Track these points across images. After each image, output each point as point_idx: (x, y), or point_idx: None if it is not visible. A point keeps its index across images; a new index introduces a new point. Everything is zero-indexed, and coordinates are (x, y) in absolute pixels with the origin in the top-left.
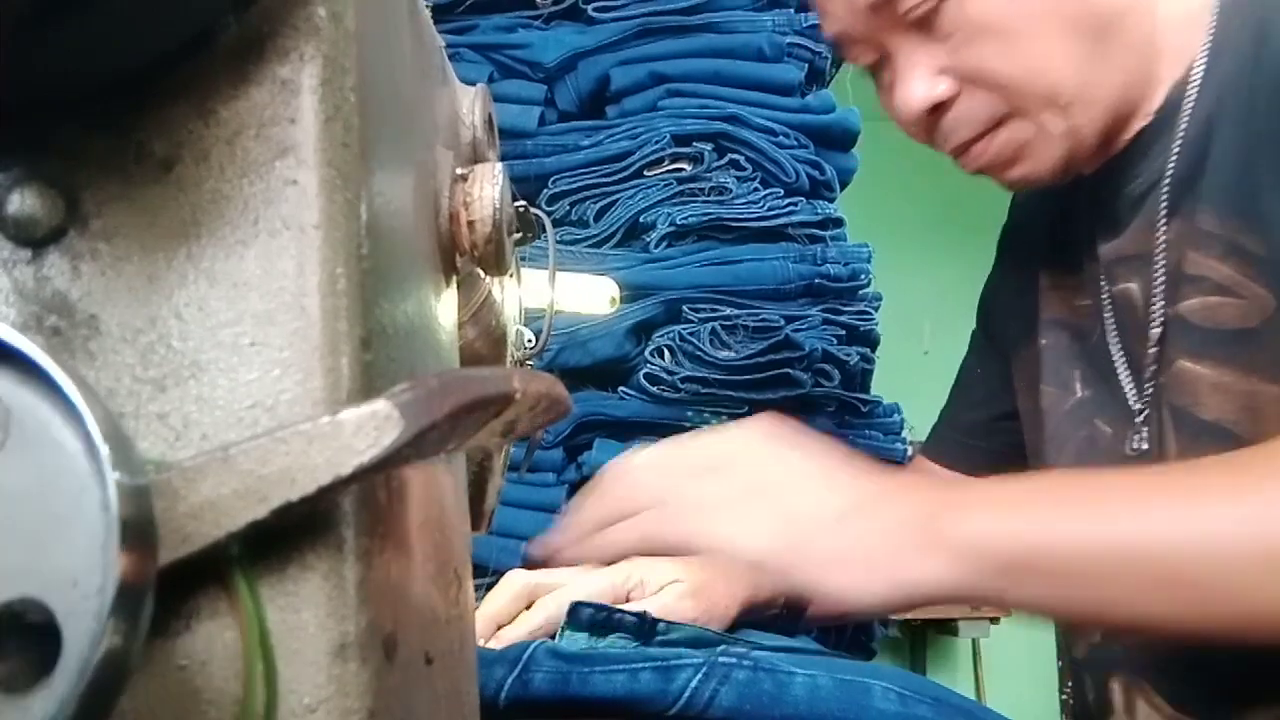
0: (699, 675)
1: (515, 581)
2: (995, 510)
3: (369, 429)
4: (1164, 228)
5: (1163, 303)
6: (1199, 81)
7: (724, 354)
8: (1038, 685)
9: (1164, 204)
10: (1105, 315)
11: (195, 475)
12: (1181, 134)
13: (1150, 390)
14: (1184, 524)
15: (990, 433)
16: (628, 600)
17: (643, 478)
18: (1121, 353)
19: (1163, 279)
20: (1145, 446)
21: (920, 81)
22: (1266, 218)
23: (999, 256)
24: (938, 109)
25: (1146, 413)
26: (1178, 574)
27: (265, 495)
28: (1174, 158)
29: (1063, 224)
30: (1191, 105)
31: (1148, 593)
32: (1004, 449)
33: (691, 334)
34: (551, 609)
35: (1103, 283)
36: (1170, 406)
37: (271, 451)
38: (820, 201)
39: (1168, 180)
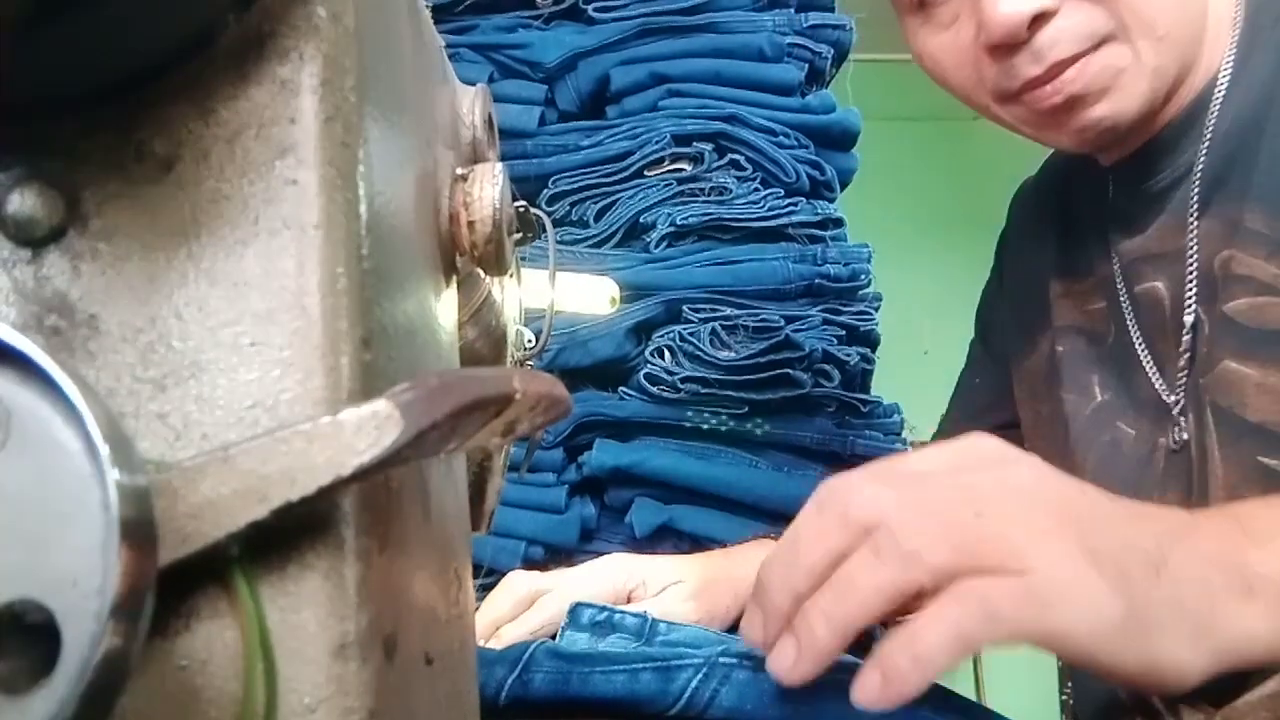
0: (699, 675)
1: (516, 583)
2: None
3: (369, 429)
4: (1195, 224)
5: (1195, 300)
6: (1228, 79)
7: (724, 354)
8: (1038, 686)
9: (1195, 200)
10: (1126, 315)
11: (195, 475)
12: (1210, 129)
13: (1183, 385)
14: None
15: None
16: (629, 601)
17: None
18: (1148, 352)
19: (1195, 277)
20: (1185, 437)
21: None
22: None
23: (996, 267)
24: (1036, 21)
25: (1182, 404)
26: None
27: (265, 495)
28: (1204, 153)
29: (1071, 228)
30: (1220, 102)
31: None
32: None
33: (692, 334)
34: (552, 609)
35: (1121, 283)
36: (1213, 406)
37: (272, 451)
38: (820, 202)
39: (1198, 176)
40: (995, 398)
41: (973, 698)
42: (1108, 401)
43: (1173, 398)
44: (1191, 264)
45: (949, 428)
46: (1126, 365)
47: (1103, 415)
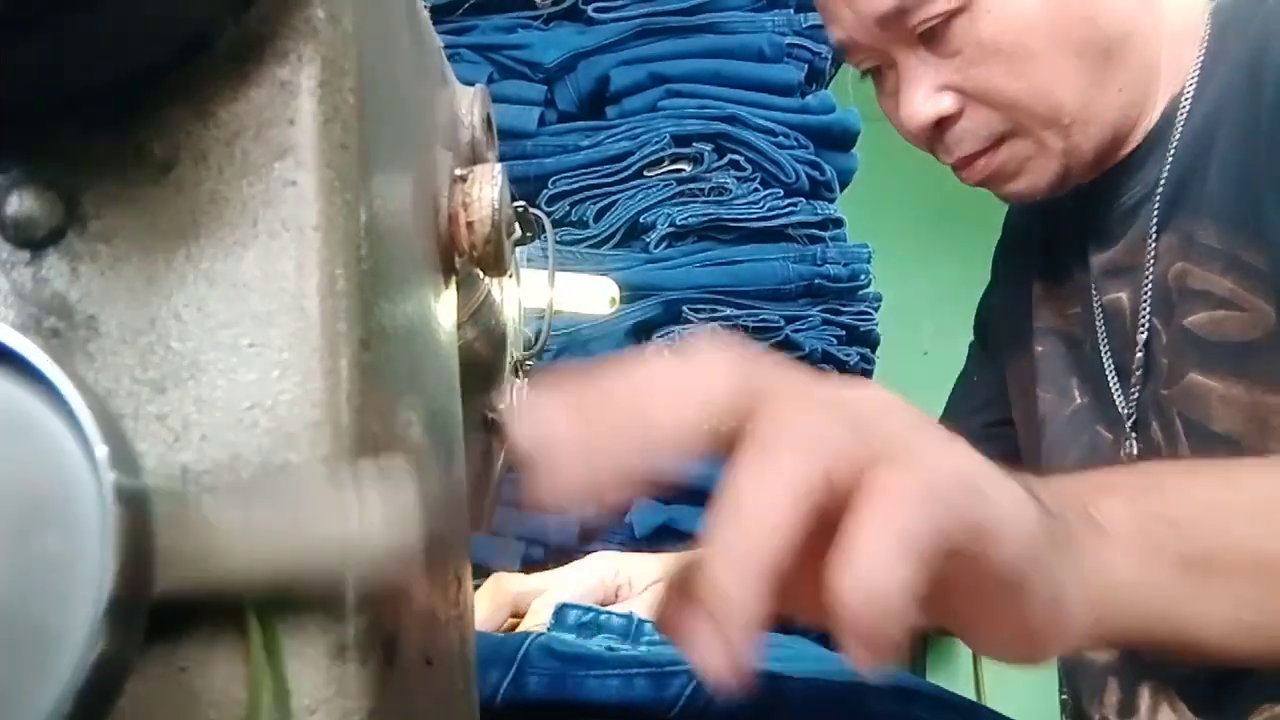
0: (694, 682)
1: (498, 588)
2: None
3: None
4: (1154, 239)
5: (1149, 312)
6: (1192, 95)
7: None
8: (1037, 686)
9: (1155, 216)
10: (1097, 324)
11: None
12: (1174, 147)
13: (1136, 398)
14: None
15: (986, 438)
16: (615, 600)
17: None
18: (1111, 363)
19: (1150, 289)
20: (1135, 452)
21: (926, 96)
22: (1267, 232)
23: (994, 269)
24: (941, 123)
25: (1135, 418)
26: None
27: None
28: (1166, 170)
29: (1055, 235)
30: (1184, 119)
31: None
32: (999, 455)
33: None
34: (542, 616)
35: (1094, 293)
36: (1182, 418)
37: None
38: (820, 202)
39: (1159, 192)
40: (990, 396)
41: (972, 697)
42: (1086, 404)
43: (1126, 410)
44: (1148, 277)
45: (943, 425)
46: (1098, 374)
47: (1083, 416)
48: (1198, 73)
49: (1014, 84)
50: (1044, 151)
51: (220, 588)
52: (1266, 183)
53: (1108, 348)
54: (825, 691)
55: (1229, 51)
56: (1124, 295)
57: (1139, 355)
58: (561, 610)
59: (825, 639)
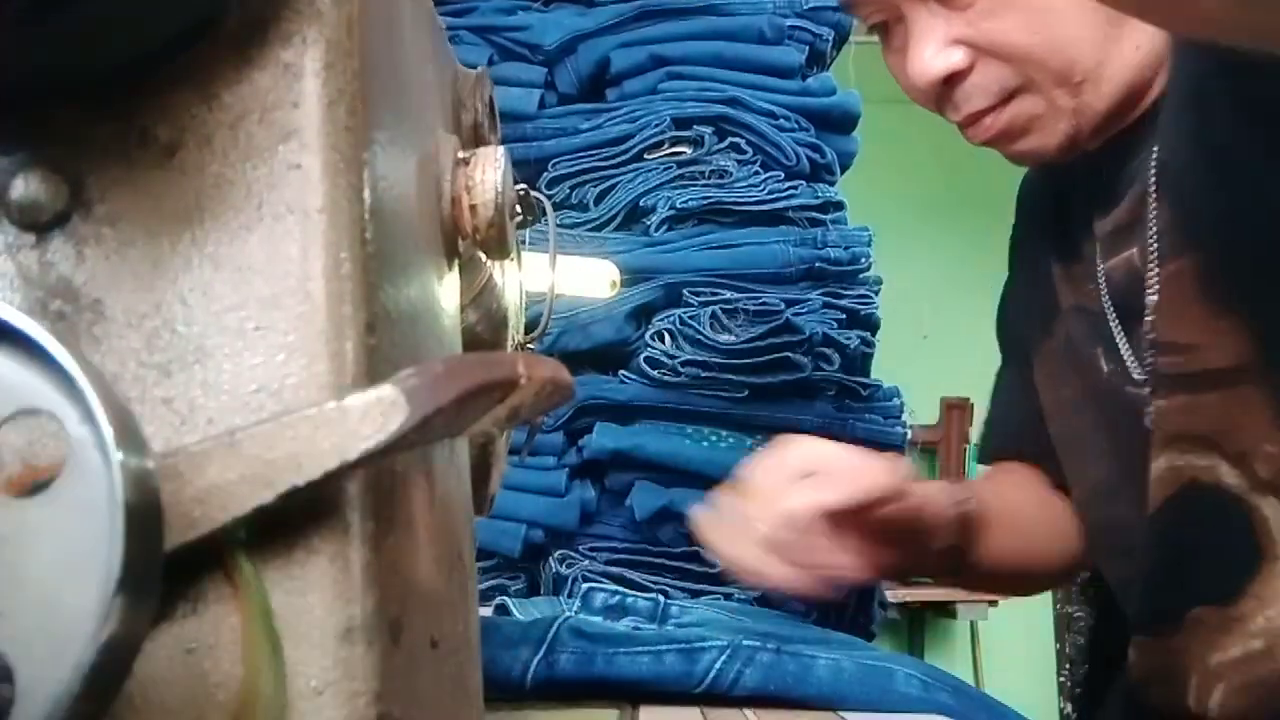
0: (723, 657)
1: (789, 457)
2: None
3: (375, 414)
4: (1154, 194)
5: (1157, 267)
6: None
7: (724, 338)
8: (1036, 668)
9: (1153, 169)
10: (1103, 293)
11: (201, 460)
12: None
13: (1151, 361)
14: None
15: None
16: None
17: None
18: (1119, 326)
19: (1155, 243)
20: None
21: (936, 51)
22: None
23: (1010, 263)
24: (950, 79)
25: (1151, 387)
26: None
27: (271, 480)
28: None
29: (1063, 211)
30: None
31: None
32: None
33: (691, 318)
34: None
35: (1099, 260)
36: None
37: (278, 437)
38: (821, 185)
39: (1154, 157)
40: (1026, 419)
41: (970, 680)
42: (1114, 370)
43: (1139, 375)
44: (1152, 231)
45: (987, 454)
46: (1111, 343)
47: (1114, 381)
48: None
49: (1029, 38)
50: (1054, 110)
51: (216, 525)
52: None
53: (1114, 313)
54: (851, 673)
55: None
56: (1133, 253)
57: (1149, 319)
58: (589, 593)
59: (827, 620)
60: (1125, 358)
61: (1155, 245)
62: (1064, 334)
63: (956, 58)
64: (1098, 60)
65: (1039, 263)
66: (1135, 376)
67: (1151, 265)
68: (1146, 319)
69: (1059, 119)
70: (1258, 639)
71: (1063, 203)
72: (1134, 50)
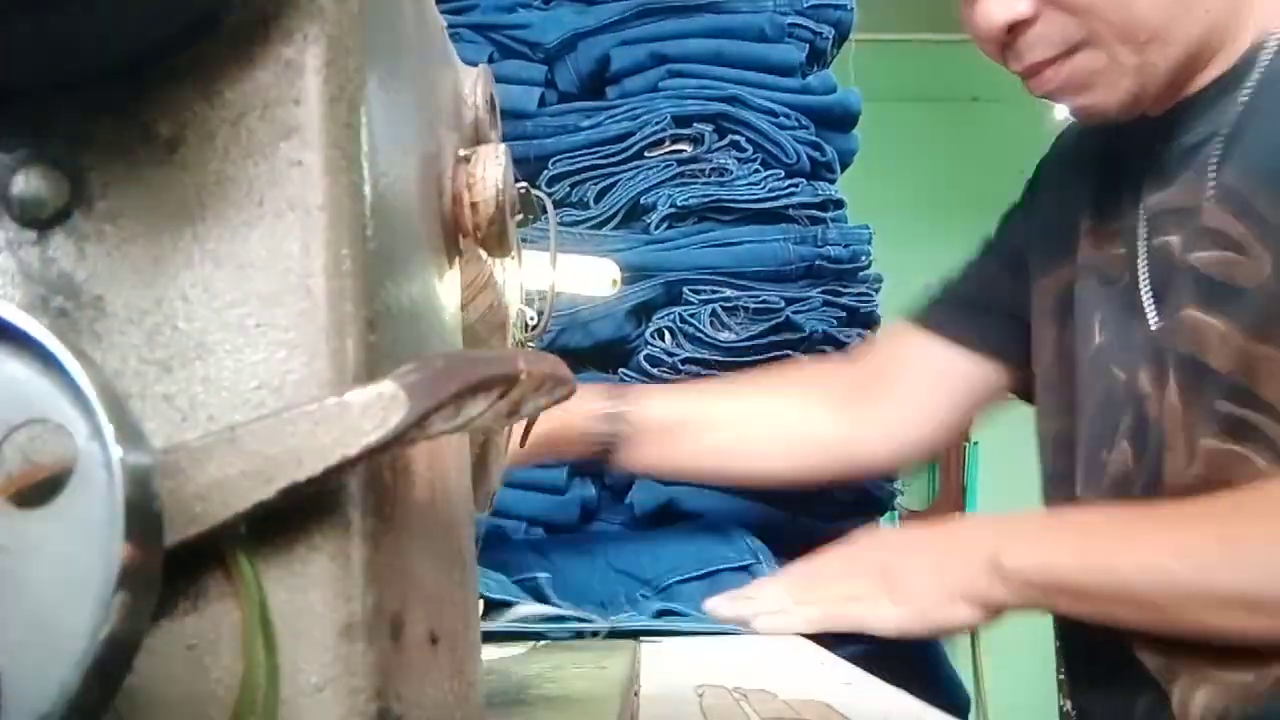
0: None
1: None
2: (1041, 547)
3: (375, 410)
4: (1213, 184)
5: (1197, 255)
6: (1275, 48)
7: (724, 335)
8: (1036, 666)
9: (1213, 161)
10: (1140, 265)
11: (201, 456)
12: (1248, 90)
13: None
14: (1158, 570)
15: (988, 313)
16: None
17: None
18: (1153, 300)
19: (1198, 232)
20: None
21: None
22: None
23: (1033, 185)
24: (1015, 28)
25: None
26: (1151, 601)
27: (272, 476)
28: (1237, 114)
29: (1111, 171)
30: (1261, 71)
31: (1145, 613)
32: (991, 335)
33: (692, 315)
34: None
35: (1143, 233)
36: (1174, 353)
37: (278, 432)
38: (821, 183)
39: (1221, 138)
40: (1008, 287)
41: (971, 680)
42: (1104, 344)
43: (1164, 336)
44: (1199, 218)
45: (952, 288)
46: (1130, 310)
47: (1100, 358)
48: None
49: None
50: (1116, 67)
51: (216, 521)
52: None
53: (1149, 288)
54: None
55: None
56: (1174, 239)
57: (1181, 293)
58: None
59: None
60: (1153, 328)
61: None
62: (1069, 281)
63: (1021, 7)
64: (1165, 19)
65: (1066, 209)
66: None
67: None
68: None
69: (1122, 76)
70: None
71: (1111, 163)
72: (1204, 13)
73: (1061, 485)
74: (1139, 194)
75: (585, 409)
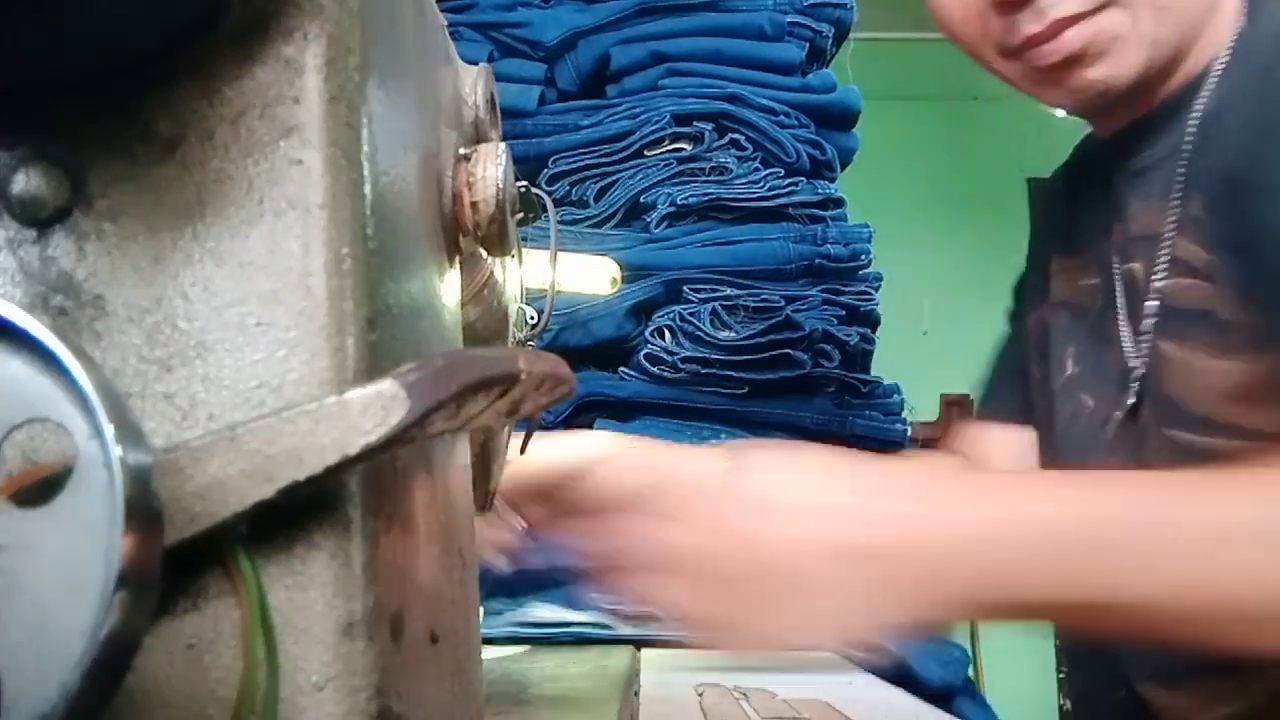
0: None
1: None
2: (1031, 575)
3: (375, 409)
4: (1176, 206)
5: (1162, 283)
6: (1226, 58)
7: (724, 334)
8: (1036, 665)
9: (1178, 186)
10: (1117, 291)
11: (202, 455)
12: (1199, 111)
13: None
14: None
15: (1024, 381)
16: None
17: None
18: (1127, 325)
19: (1165, 260)
20: (1131, 401)
21: None
22: (1243, 215)
23: (1030, 244)
24: None
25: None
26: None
27: (272, 475)
28: (1189, 136)
29: (1078, 207)
30: (1213, 84)
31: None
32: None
33: (692, 314)
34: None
35: (1116, 259)
36: (1144, 381)
37: (279, 431)
38: (821, 181)
39: (1183, 158)
40: (1010, 362)
41: (971, 675)
42: (1075, 374)
43: (1136, 361)
44: (1164, 247)
45: (983, 397)
46: (1102, 338)
47: (1070, 387)
48: (1235, 38)
49: None
50: (1136, 33)
51: (216, 520)
52: (1252, 165)
53: (1125, 313)
54: None
55: (1265, 15)
56: (1138, 265)
57: (1145, 331)
58: None
59: None
60: (1127, 353)
61: (1165, 262)
62: (1042, 321)
63: None
64: None
65: (1040, 261)
66: (1132, 366)
67: (1156, 280)
68: (1144, 331)
69: (1139, 47)
70: None
71: (1081, 199)
72: (1204, 3)
73: None
74: (1107, 220)
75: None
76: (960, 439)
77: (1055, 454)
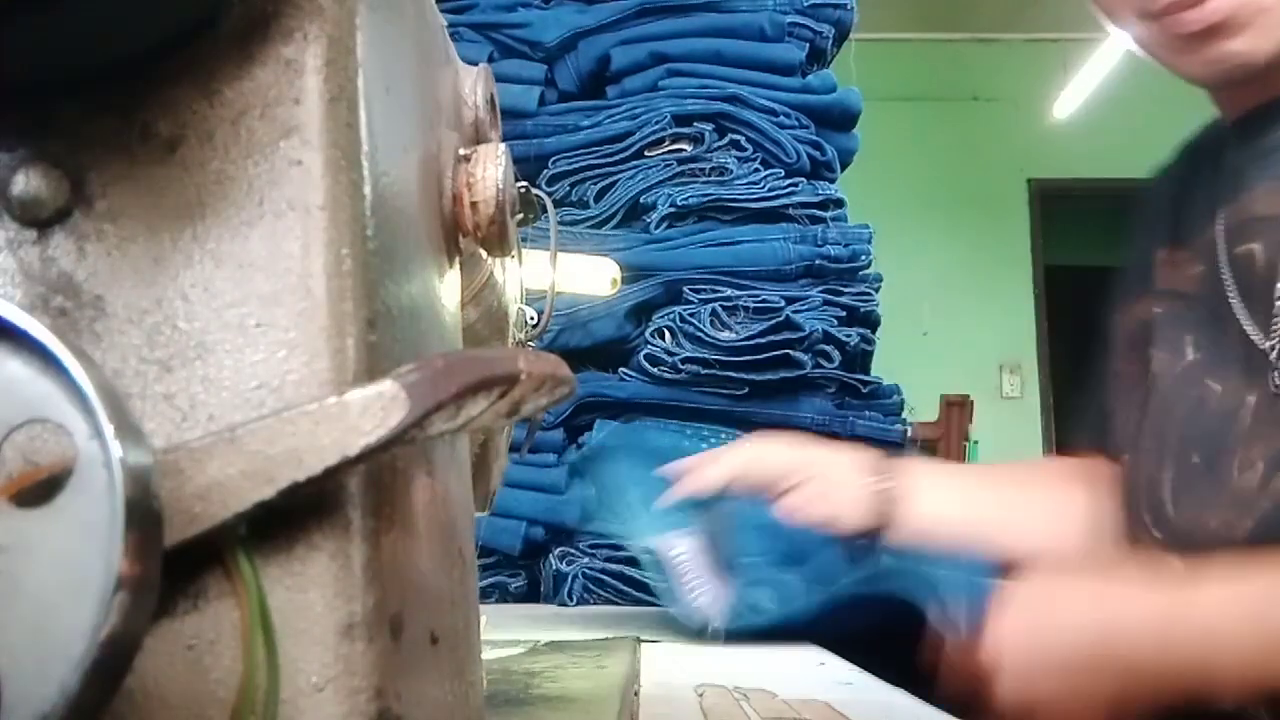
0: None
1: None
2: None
3: (375, 410)
4: None
5: None
6: None
7: (724, 335)
8: None
9: None
10: (1224, 277)
11: (202, 456)
12: None
13: (1278, 333)
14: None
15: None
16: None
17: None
18: (1244, 309)
19: None
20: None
21: None
22: None
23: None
24: None
25: (1278, 350)
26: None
27: (272, 476)
28: None
29: (1185, 197)
30: None
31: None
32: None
33: (692, 315)
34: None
35: (1222, 244)
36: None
37: (278, 432)
38: (821, 182)
39: None
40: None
41: None
42: (1199, 360)
43: (1269, 343)
44: None
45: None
46: (1218, 324)
47: (1193, 373)
48: None
49: None
50: (1276, 11)
51: (216, 521)
52: None
53: (1238, 296)
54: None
55: None
56: (1257, 246)
57: (1278, 303)
58: None
59: None
60: (1250, 335)
61: None
62: (1146, 314)
63: None
64: None
65: (1144, 250)
66: (1262, 347)
67: None
68: (1276, 303)
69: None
70: None
71: (1187, 190)
72: None
73: (1138, 525)
74: (1214, 205)
75: (853, 488)
76: (1095, 476)
77: (1173, 440)
